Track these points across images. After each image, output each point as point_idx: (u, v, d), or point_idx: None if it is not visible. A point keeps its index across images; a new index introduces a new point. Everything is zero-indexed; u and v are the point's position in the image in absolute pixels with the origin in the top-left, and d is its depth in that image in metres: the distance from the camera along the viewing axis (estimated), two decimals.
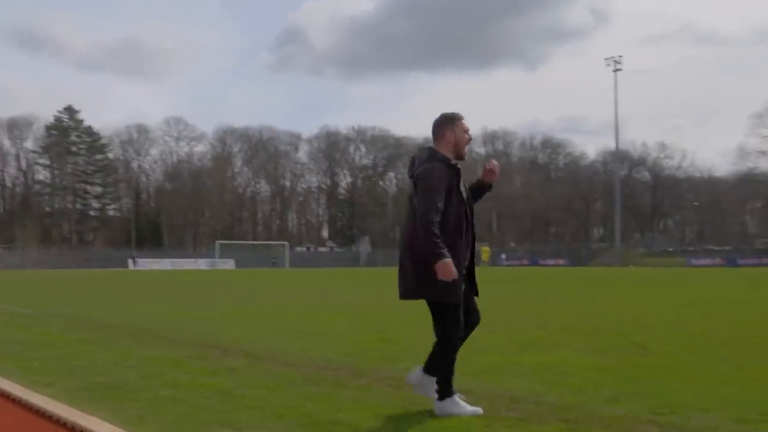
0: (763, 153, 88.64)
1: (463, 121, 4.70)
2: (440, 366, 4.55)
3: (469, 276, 4.69)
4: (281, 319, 11.55)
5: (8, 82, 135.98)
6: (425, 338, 8.39)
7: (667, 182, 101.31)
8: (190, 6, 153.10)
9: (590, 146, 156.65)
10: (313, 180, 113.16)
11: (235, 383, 5.60)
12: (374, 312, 12.77)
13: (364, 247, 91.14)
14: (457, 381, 4.61)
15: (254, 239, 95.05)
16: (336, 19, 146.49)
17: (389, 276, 37.11)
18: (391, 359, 6.75)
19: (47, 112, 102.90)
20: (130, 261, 66.36)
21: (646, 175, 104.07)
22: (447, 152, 4.59)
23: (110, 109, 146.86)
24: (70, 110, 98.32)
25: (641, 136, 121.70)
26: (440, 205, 4.34)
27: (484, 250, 52.67)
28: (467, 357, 6.81)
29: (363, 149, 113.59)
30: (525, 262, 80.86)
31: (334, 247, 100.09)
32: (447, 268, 4.25)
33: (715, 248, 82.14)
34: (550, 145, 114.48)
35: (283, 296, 18.58)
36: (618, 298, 16.93)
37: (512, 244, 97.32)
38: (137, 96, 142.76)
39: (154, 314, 12.59)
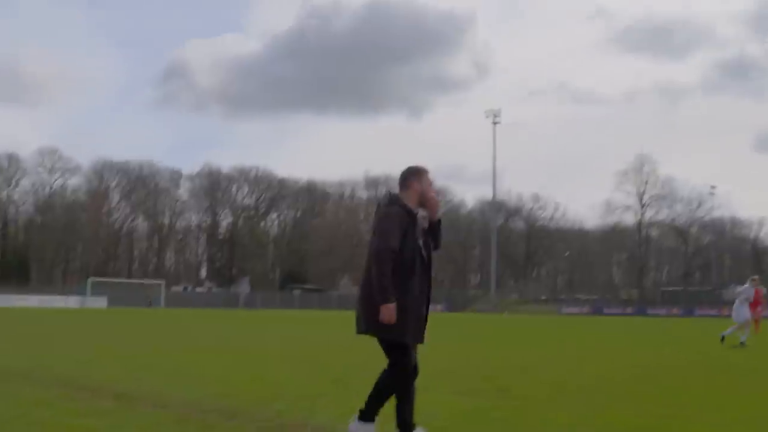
0: (627, 208, 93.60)
1: (428, 175, 4.99)
2: (376, 395, 4.75)
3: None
4: (154, 359, 11.37)
5: None
6: (300, 380, 8.53)
7: (540, 232, 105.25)
8: (71, 35, 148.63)
9: (470, 194, 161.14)
10: (193, 218, 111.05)
11: (105, 425, 5.54)
12: (249, 353, 12.75)
13: (243, 288, 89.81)
14: (334, 421, 4.76)
15: (130, 277, 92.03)
16: (221, 58, 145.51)
17: (267, 318, 36.82)
18: (263, 401, 6.82)
19: None
20: None
21: (521, 224, 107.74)
22: (411, 201, 4.86)
23: None
24: None
25: (518, 186, 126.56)
26: (394, 245, 4.59)
27: None
28: (342, 398, 7.00)
29: (245, 189, 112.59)
30: None
31: (213, 287, 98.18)
32: (389, 312, 4.52)
33: (584, 297, 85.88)
34: None
35: (158, 336, 18.20)
36: (489, 344, 17.51)
37: None
38: (9, 124, 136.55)
39: (19, 353, 12.11)
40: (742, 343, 16.12)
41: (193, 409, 6.28)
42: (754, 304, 17.52)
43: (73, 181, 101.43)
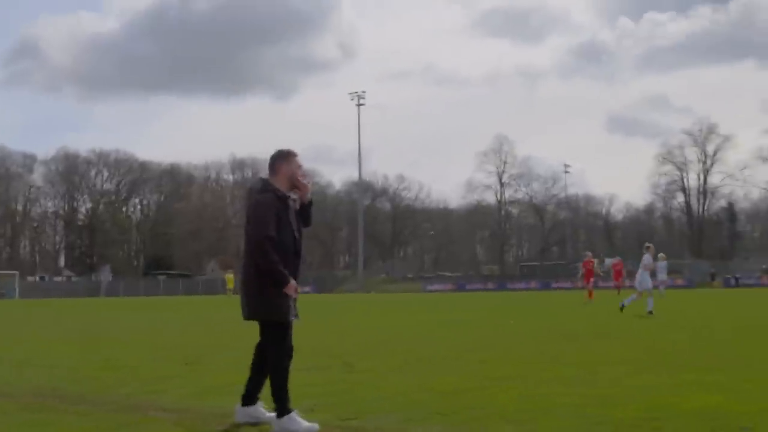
0: (488, 187, 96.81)
1: (297, 158, 5.19)
2: (274, 384, 4.87)
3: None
4: (11, 349, 11.17)
5: None
6: (152, 364, 8.69)
7: (405, 212, 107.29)
8: None
9: (337, 176, 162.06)
10: (50, 205, 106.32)
11: None
12: (104, 341, 12.68)
13: (104, 275, 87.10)
14: (181, 400, 4.98)
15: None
16: (76, 36, 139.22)
17: (128, 305, 36.03)
18: (113, 385, 6.99)
19: None
20: None
21: (387, 205, 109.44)
22: (281, 185, 5.04)
23: None
24: None
25: (384, 167, 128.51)
26: (272, 233, 4.80)
27: (228, 278, 52.65)
28: (192, 379, 7.26)
29: (105, 173, 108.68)
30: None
31: (72, 276, 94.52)
32: (292, 288, 4.81)
33: (448, 274, 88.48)
34: None
35: (7, 328, 17.66)
36: (347, 323, 18.04)
37: None
38: None
39: None
40: (650, 312, 16.67)
41: (41, 397, 6.38)
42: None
43: None
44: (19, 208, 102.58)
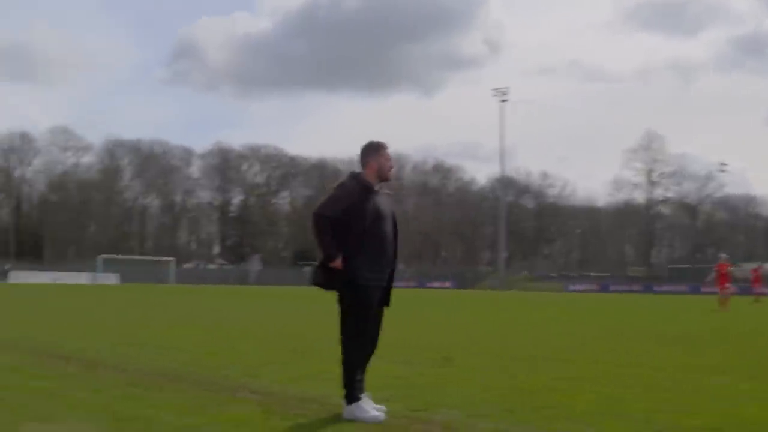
0: (636, 185, 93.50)
1: (387, 150, 5.33)
2: (344, 369, 4.99)
3: (384, 291, 5.24)
4: (135, 332, 11.98)
5: None
6: (264, 351, 9.10)
7: (549, 210, 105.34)
8: (83, 15, 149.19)
9: (482, 172, 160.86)
10: (205, 196, 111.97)
11: (63, 386, 6.14)
12: (226, 327, 13.36)
13: (254, 265, 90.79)
14: (274, 385, 5.16)
15: (142, 254, 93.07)
16: (232, 36, 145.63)
17: (270, 294, 37.52)
18: (217, 367, 7.40)
19: None
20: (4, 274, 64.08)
21: (530, 202, 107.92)
22: (370, 177, 5.21)
23: None
24: None
25: (530, 164, 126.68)
26: (332, 212, 4.95)
27: None
28: (292, 366, 7.58)
29: (257, 167, 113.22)
30: (412, 283, 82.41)
31: (224, 264, 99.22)
32: (337, 264, 4.92)
33: (593, 274, 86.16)
34: (442, 170, 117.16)
35: (149, 311, 18.87)
36: (467, 318, 18.06)
37: (401, 265, 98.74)
38: (23, 103, 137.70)
39: (9, 326, 12.79)
40: None
41: (147, 374, 6.87)
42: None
43: (86, 160, 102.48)
44: (178, 199, 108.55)
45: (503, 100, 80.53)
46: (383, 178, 5.30)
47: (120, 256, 75.53)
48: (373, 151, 5.31)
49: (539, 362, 8.29)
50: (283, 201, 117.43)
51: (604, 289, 72.29)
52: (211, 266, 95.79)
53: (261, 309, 21.61)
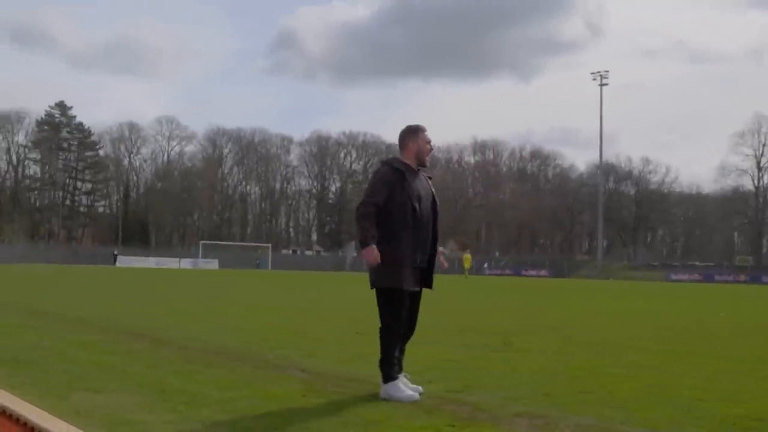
0: (744, 171, 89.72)
1: (426, 133, 5.33)
2: (381, 351, 5.08)
3: (424, 273, 5.28)
4: (212, 313, 12.39)
5: (0, 77, 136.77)
6: (329, 334, 9.25)
7: (651, 197, 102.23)
8: (186, 7, 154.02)
9: (581, 159, 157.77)
10: (304, 183, 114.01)
11: (124, 361, 6.43)
12: (302, 309, 13.62)
13: (350, 251, 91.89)
14: (325, 364, 5.26)
15: (243, 241, 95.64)
16: (330, 25, 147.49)
17: (362, 280, 37.91)
18: (275, 347, 7.58)
19: (39, 108, 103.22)
20: (113, 258, 67.13)
21: (631, 189, 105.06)
22: (409, 160, 5.25)
23: (103, 107, 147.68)
24: (61, 106, 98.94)
25: (632, 150, 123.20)
26: (377, 199, 5.02)
27: (466, 258, 52.93)
28: (350, 347, 7.70)
29: (354, 154, 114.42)
30: (507, 272, 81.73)
31: (321, 250, 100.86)
32: (371, 254, 4.94)
33: (697, 264, 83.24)
34: (540, 156, 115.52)
35: (239, 294, 19.41)
36: (554, 305, 17.79)
37: (497, 253, 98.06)
38: (130, 94, 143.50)
39: (96, 305, 13.42)
40: None
41: (208, 352, 7.10)
42: None
43: (189, 149, 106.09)
44: (277, 186, 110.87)
45: (603, 84, 78.71)
46: (421, 161, 5.31)
47: (220, 242, 77.87)
48: (411, 133, 5.33)
49: (604, 348, 8.12)
50: None
51: (708, 279, 69.81)
52: (308, 253, 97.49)
53: (344, 294, 21.91)
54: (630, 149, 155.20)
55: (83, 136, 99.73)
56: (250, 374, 5.86)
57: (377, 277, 5.09)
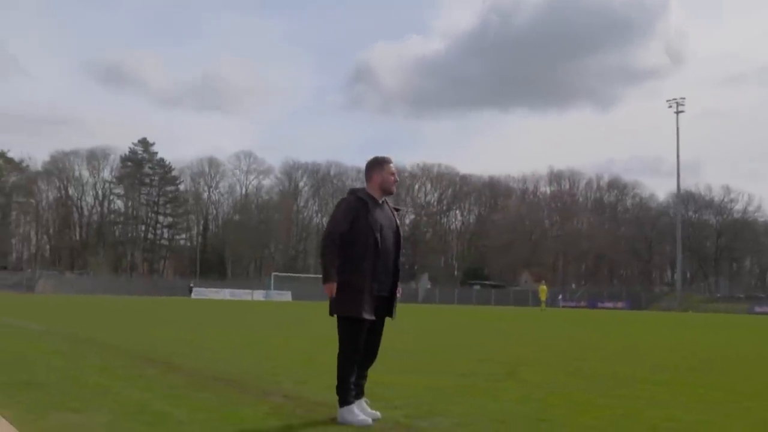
0: None
1: (391, 165, 5.56)
2: (338, 376, 5.26)
3: (386, 302, 5.42)
4: (250, 343, 12.78)
5: (91, 115, 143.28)
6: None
7: (735, 225, 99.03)
8: (266, 45, 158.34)
9: (663, 188, 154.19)
10: None
11: (124, 385, 6.78)
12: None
13: (423, 283, 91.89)
14: (319, 392, 5.47)
15: (317, 273, 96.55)
16: (406, 59, 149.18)
17: (426, 311, 37.96)
18: (278, 374, 7.82)
19: (124, 145, 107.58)
20: (189, 290, 68.88)
21: (712, 218, 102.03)
22: (373, 191, 5.44)
23: (185, 143, 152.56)
24: (144, 143, 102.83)
25: (717, 178, 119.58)
26: (341, 229, 5.24)
27: (541, 290, 51.85)
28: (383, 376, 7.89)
29: (428, 186, 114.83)
30: (582, 303, 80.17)
31: None
32: (329, 289, 5.20)
33: None
34: (617, 186, 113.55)
35: (291, 325, 19.80)
36: (601, 337, 17.55)
37: (573, 285, 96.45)
38: (211, 130, 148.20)
39: (136, 334, 13.99)
40: None
41: (212, 378, 7.37)
42: None
43: (267, 182, 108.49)
44: None
45: (679, 111, 77.10)
46: (387, 191, 5.51)
47: (292, 274, 78.96)
48: (377, 165, 5.53)
49: (614, 381, 8.00)
50: (454, 219, 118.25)
51: None
52: None
53: (397, 326, 22.04)
54: (715, 178, 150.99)
55: (164, 171, 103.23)
56: (232, 398, 6.11)
57: (337, 304, 5.27)
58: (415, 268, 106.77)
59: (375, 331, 5.43)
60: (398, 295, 5.55)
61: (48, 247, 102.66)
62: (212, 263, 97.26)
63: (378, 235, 5.27)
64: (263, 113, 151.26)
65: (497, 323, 25.19)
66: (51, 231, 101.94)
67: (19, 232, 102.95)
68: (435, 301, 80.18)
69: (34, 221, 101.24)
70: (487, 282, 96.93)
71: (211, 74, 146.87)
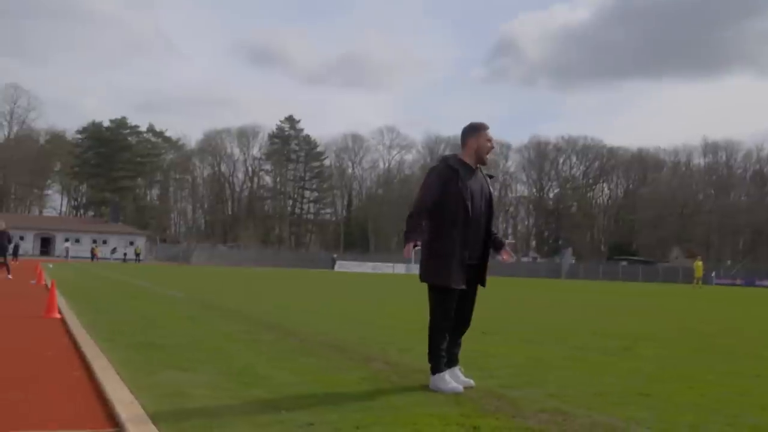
0: None
1: (487, 131, 5.44)
2: (429, 344, 5.33)
3: (477, 270, 5.38)
4: (371, 313, 13.00)
5: (240, 94, 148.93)
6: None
7: None
8: (408, 20, 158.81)
9: None
10: (522, 189, 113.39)
11: (238, 348, 7.11)
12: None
13: (566, 258, 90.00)
14: (420, 359, 5.47)
15: None
16: (550, 29, 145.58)
17: (570, 288, 37.23)
18: (384, 342, 7.93)
19: (271, 122, 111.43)
20: (332, 263, 70.66)
21: None
22: (468, 157, 5.37)
23: (330, 120, 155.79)
24: (290, 120, 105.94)
25: None
26: (428, 198, 5.25)
27: (697, 266, 49.01)
28: (476, 343, 7.91)
29: (573, 159, 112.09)
30: (738, 281, 76.01)
31: (537, 257, 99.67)
32: (407, 250, 5.26)
33: None
34: None
35: (411, 296, 19.98)
36: (752, 317, 16.66)
37: (728, 261, 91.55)
38: (356, 106, 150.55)
39: (275, 305, 14.51)
40: None
41: (324, 345, 7.58)
42: None
43: (409, 157, 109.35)
44: (495, 192, 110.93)
45: None
46: (481, 159, 5.42)
47: None
48: (473, 131, 5.43)
49: (745, 360, 7.62)
50: (600, 193, 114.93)
51: None
52: (525, 259, 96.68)
53: (527, 299, 21.77)
54: None
55: (310, 148, 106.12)
56: (335, 363, 6.26)
57: (426, 271, 5.27)
58: (560, 242, 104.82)
59: (467, 299, 5.41)
60: (506, 258, 5.53)
61: (203, 221, 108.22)
62: (356, 237, 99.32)
63: (469, 204, 5.21)
64: (405, 88, 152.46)
65: (638, 299, 24.35)
66: (205, 206, 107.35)
67: (177, 207, 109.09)
68: (579, 276, 78.29)
69: (190, 197, 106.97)
70: (634, 258, 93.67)
71: (355, 51, 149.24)
